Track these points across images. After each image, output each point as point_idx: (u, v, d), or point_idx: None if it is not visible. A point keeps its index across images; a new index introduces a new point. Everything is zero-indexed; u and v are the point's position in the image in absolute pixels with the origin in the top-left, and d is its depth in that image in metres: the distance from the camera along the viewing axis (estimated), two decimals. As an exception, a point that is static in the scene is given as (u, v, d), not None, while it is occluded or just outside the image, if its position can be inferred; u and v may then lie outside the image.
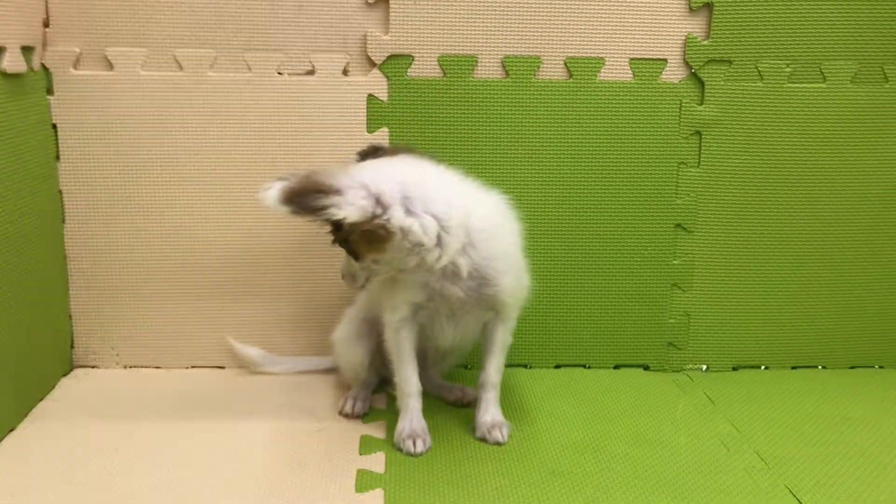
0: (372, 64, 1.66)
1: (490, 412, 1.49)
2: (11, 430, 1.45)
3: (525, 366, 1.81)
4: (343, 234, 1.30)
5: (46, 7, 1.58)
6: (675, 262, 1.77)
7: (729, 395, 1.68)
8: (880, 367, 1.85)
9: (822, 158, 1.73)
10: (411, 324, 1.43)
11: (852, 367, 1.85)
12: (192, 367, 1.76)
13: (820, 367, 1.85)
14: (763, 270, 1.79)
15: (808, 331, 1.83)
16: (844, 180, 1.75)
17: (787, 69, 1.69)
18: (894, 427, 1.55)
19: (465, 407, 1.59)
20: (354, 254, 1.33)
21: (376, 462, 1.38)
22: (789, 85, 1.70)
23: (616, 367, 1.82)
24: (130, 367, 1.75)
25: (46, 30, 1.59)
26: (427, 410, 1.48)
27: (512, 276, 1.41)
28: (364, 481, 1.31)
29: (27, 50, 1.51)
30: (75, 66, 1.61)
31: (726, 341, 1.82)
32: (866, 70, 1.70)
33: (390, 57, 1.65)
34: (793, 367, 1.84)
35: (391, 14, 1.63)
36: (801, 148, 1.73)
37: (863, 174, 1.75)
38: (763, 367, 1.84)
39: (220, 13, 1.61)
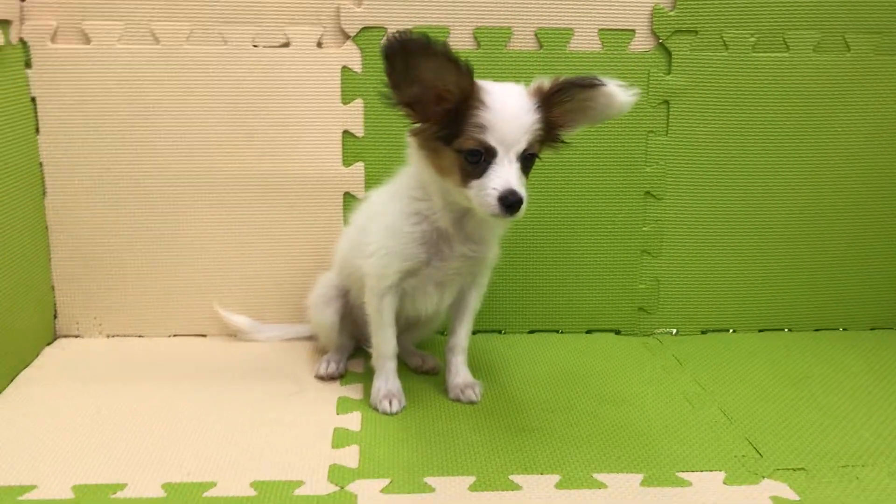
0: (346, 36, 1.69)
1: (461, 374, 1.53)
2: (-3, 394, 1.49)
3: (499, 331, 1.86)
4: None
5: (23, -19, 1.61)
6: (644, 228, 1.82)
7: (696, 357, 1.74)
8: (844, 329, 1.91)
9: (786, 125, 1.78)
10: (396, 291, 1.45)
11: (817, 330, 1.90)
12: (175, 335, 1.80)
13: (786, 329, 1.90)
14: (731, 236, 1.84)
15: (774, 295, 1.88)
16: (808, 146, 1.80)
17: (752, 39, 1.73)
18: (852, 384, 1.61)
19: (425, 374, 1.64)
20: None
21: (352, 421, 1.42)
22: (754, 54, 1.74)
23: (588, 332, 1.87)
24: (113, 336, 1.79)
25: (23, 4, 1.61)
26: (399, 374, 1.52)
27: (496, 242, 1.46)
28: (340, 438, 1.35)
29: (4, 24, 1.53)
30: (53, 40, 1.64)
31: (695, 306, 1.87)
32: (828, 39, 1.74)
33: (364, 29, 1.68)
34: (759, 331, 1.90)
35: (364, -14, 1.66)
36: (766, 115, 1.77)
37: (826, 140, 1.80)
38: (731, 331, 1.89)
39: (195, -14, 1.64)
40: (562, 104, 1.30)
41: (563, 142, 1.35)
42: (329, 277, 1.63)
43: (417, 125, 1.32)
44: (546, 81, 1.31)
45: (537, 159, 1.33)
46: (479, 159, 1.26)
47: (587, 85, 1.28)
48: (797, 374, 1.65)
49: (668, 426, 1.42)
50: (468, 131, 1.25)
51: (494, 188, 1.25)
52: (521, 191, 1.26)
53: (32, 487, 1.19)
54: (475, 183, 1.27)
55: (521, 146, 1.26)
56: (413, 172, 1.40)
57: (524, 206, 1.26)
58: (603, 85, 1.27)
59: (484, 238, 1.42)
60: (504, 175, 1.25)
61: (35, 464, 1.26)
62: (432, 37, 1.21)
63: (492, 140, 1.25)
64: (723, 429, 1.41)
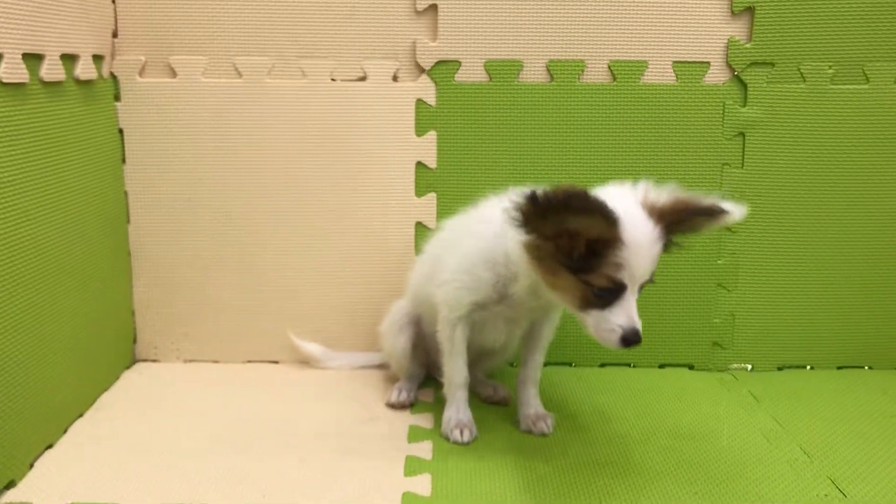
0: (421, 70, 1.72)
1: (533, 405, 1.52)
2: (80, 415, 1.53)
3: (569, 364, 1.84)
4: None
5: (115, 18, 1.68)
6: (719, 262, 1.80)
7: (773, 393, 1.69)
8: (928, 367, 1.85)
9: (865, 159, 1.75)
10: (467, 321, 1.45)
11: (899, 368, 1.85)
12: (249, 361, 1.83)
13: (866, 367, 1.85)
14: (808, 270, 1.80)
15: (853, 331, 1.83)
16: (888, 181, 1.76)
17: (830, 70, 1.71)
18: (939, 423, 1.55)
19: (496, 404, 1.63)
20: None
21: (424, 449, 1.42)
22: (832, 86, 1.72)
23: (661, 367, 1.84)
24: (190, 361, 1.83)
25: (115, 40, 1.68)
26: (470, 404, 1.52)
27: None
28: (412, 466, 1.36)
29: (97, 58, 1.60)
30: (141, 74, 1.70)
31: (771, 341, 1.83)
32: (910, 71, 1.71)
33: (438, 63, 1.71)
34: (838, 368, 1.84)
35: (439, 21, 1.69)
36: (844, 148, 1.74)
37: (907, 174, 1.76)
38: (808, 367, 1.84)
39: (276, 22, 1.69)
40: (680, 227, 1.26)
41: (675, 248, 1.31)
42: (402, 305, 1.64)
43: (534, 240, 1.23)
44: (661, 197, 1.25)
45: None
46: (608, 295, 1.23)
47: (710, 214, 1.24)
48: (880, 413, 1.60)
49: (747, 463, 1.39)
50: (604, 269, 1.20)
51: (620, 326, 1.23)
52: (640, 326, 1.24)
53: (116, 505, 1.22)
54: (596, 313, 1.24)
55: (647, 278, 1.24)
56: (498, 241, 1.33)
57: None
58: (726, 213, 1.24)
59: (535, 297, 1.38)
60: (629, 312, 1.23)
61: (118, 483, 1.29)
62: (587, 191, 1.17)
63: (626, 277, 1.21)
64: (803, 467, 1.38)
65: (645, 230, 1.20)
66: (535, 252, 1.24)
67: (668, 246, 1.27)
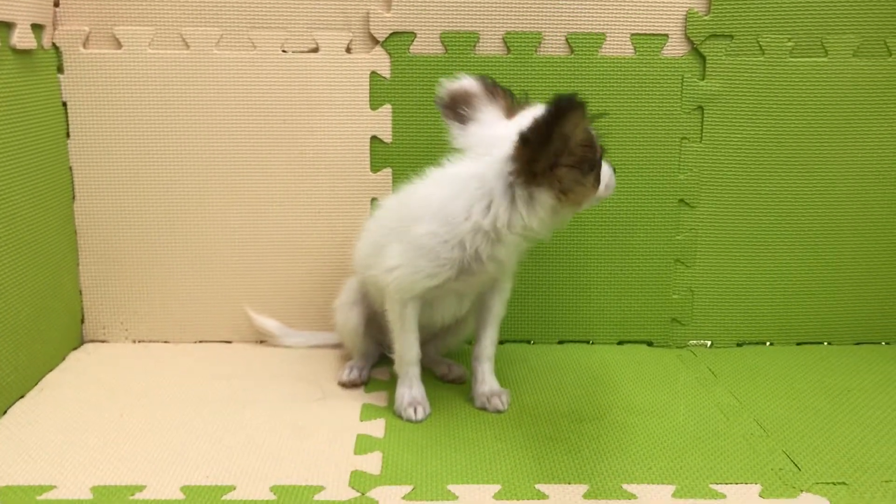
0: (375, 41, 1.68)
1: (487, 382, 1.50)
2: (21, 397, 1.49)
3: (528, 341, 1.82)
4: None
5: (56, -14, 1.62)
6: (678, 237, 1.78)
7: (731, 369, 1.68)
8: (886, 342, 1.84)
9: (824, 132, 1.73)
10: (418, 300, 1.42)
11: (857, 343, 1.84)
12: (200, 341, 1.79)
13: (825, 343, 1.84)
14: (767, 246, 1.79)
15: (812, 307, 1.82)
16: (847, 154, 1.75)
17: (789, 43, 1.69)
18: (894, 398, 1.55)
19: (451, 382, 1.61)
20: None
21: (376, 427, 1.40)
22: (791, 59, 1.70)
23: (619, 343, 1.83)
24: (139, 341, 1.78)
25: (56, 9, 1.62)
26: (425, 382, 1.49)
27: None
28: (363, 445, 1.33)
29: (37, 28, 1.55)
30: (85, 45, 1.65)
31: (730, 317, 1.82)
32: (868, 43, 1.69)
33: (393, 34, 1.67)
34: (797, 344, 1.84)
35: (393, -9, 1.65)
36: (803, 122, 1.73)
37: (865, 148, 1.74)
38: (768, 344, 1.84)
39: (225, -9, 1.64)
40: None
41: None
42: (353, 282, 1.61)
43: (549, 176, 1.27)
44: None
45: None
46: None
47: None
48: (837, 388, 1.59)
49: (702, 438, 1.37)
50: (598, 150, 1.31)
51: (609, 172, 1.39)
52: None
53: (52, 487, 1.18)
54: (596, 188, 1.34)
55: None
56: (459, 220, 1.33)
57: None
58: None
59: (509, 257, 1.39)
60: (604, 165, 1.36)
61: (55, 464, 1.25)
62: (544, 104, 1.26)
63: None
64: (759, 441, 1.36)
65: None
66: (562, 188, 1.28)
67: None
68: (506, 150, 1.28)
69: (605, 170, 1.36)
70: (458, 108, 1.39)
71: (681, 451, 1.32)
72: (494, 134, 1.32)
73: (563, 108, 1.20)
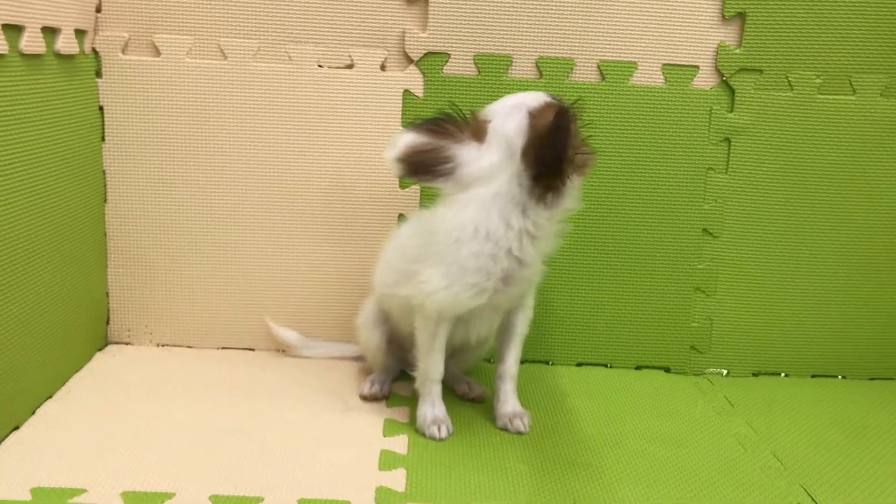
0: (409, 60, 1.70)
1: (510, 403, 1.52)
2: (49, 397, 1.50)
3: (546, 362, 1.84)
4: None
5: (99, -7, 1.65)
6: (699, 266, 1.80)
7: (748, 399, 1.70)
8: (902, 379, 1.87)
9: (849, 169, 1.76)
10: (450, 321, 1.43)
11: (872, 379, 1.86)
12: (223, 347, 1.81)
13: (840, 376, 1.86)
14: (787, 278, 1.81)
15: (829, 340, 1.84)
16: (870, 192, 1.77)
17: (818, 80, 1.71)
18: (911, 435, 1.57)
19: (471, 401, 1.62)
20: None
21: (399, 444, 1.41)
22: (819, 96, 1.72)
23: (637, 368, 1.84)
24: (163, 345, 1.80)
25: (98, 15, 1.65)
26: (445, 400, 1.50)
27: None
28: (387, 461, 1.34)
29: (80, 33, 1.57)
30: (124, 51, 1.67)
31: (748, 347, 1.84)
32: (896, 84, 1.72)
33: (427, 54, 1.69)
34: (813, 376, 1.85)
35: (430, 12, 1.67)
36: (829, 158, 1.75)
37: (889, 186, 1.77)
38: (783, 375, 1.85)
39: (263, 4, 1.66)
40: None
41: None
42: (371, 301, 1.62)
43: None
44: None
45: None
46: None
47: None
48: (853, 423, 1.61)
49: (722, 470, 1.39)
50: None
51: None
52: None
53: (82, 491, 1.19)
54: None
55: None
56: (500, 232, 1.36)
57: None
58: None
59: (545, 251, 1.42)
60: None
61: (85, 468, 1.26)
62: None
63: None
64: (777, 475, 1.38)
65: None
66: (578, 171, 1.38)
67: None
68: (513, 169, 1.33)
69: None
70: (426, 167, 1.37)
71: (702, 483, 1.34)
72: (485, 165, 1.35)
73: (567, 123, 1.30)
